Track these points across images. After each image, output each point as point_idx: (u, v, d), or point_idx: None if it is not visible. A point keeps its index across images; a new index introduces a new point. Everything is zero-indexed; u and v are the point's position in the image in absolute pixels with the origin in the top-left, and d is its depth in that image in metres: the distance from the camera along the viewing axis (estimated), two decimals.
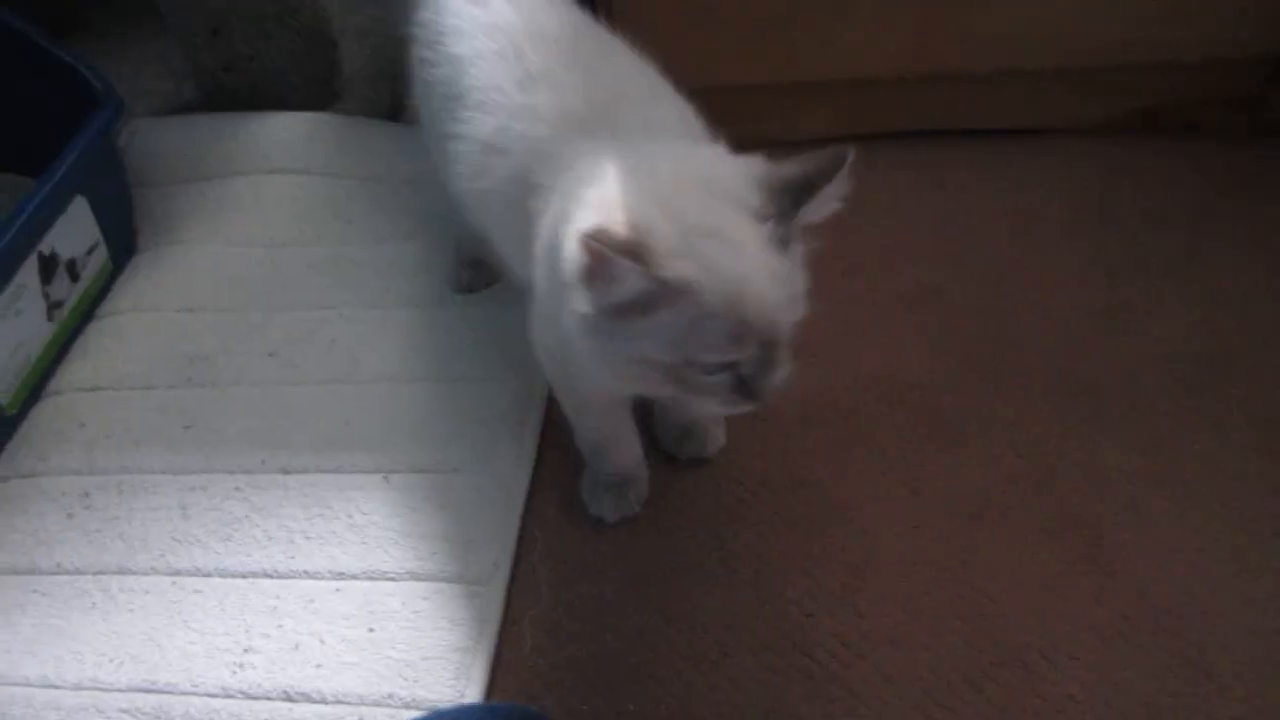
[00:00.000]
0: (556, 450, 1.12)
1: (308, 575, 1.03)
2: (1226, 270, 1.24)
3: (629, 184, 0.81)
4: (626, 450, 1.07)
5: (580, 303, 0.79)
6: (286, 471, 1.11)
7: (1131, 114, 1.38)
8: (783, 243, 0.80)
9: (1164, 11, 1.27)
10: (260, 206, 1.37)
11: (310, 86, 1.53)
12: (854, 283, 1.27)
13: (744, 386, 0.82)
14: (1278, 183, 1.33)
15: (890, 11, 1.29)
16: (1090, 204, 1.33)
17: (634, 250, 0.75)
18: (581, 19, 1.04)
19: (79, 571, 1.05)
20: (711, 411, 1.07)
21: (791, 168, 0.81)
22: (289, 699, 0.95)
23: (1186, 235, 1.28)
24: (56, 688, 0.97)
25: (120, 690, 0.96)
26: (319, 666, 0.97)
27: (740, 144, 0.86)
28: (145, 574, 1.04)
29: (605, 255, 0.75)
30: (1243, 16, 1.27)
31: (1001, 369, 1.17)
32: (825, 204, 0.82)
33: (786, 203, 0.80)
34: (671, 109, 0.96)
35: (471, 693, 0.95)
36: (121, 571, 1.05)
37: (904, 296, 1.25)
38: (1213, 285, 1.23)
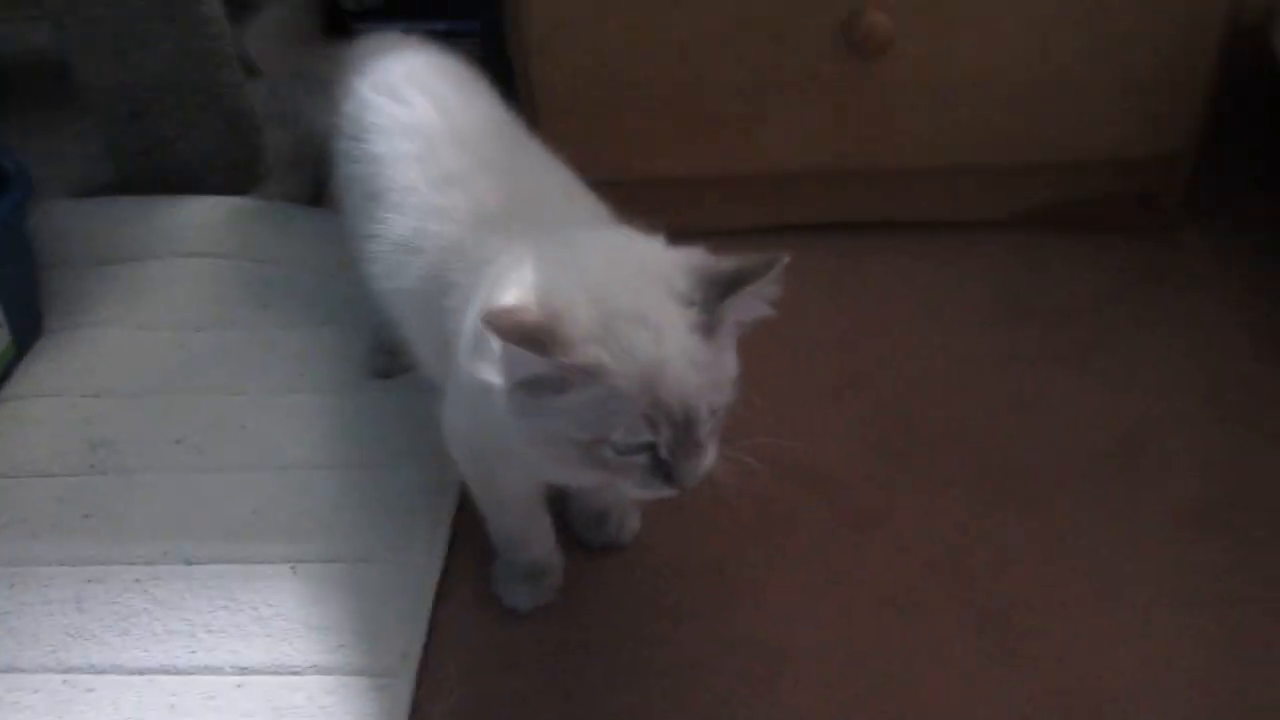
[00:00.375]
0: (468, 540, 1.10)
1: (209, 670, 0.99)
2: (1131, 357, 1.28)
3: (554, 268, 0.82)
4: (540, 540, 1.05)
5: (493, 375, 0.80)
6: (190, 562, 1.07)
7: (1040, 209, 1.43)
8: (707, 329, 0.81)
9: (1066, 115, 1.32)
10: (174, 290, 1.35)
11: (233, 171, 1.52)
12: (773, 369, 1.27)
13: (662, 469, 0.82)
14: (1176, 275, 1.37)
15: (806, 112, 1.32)
16: (1003, 295, 1.36)
17: (536, 335, 0.76)
18: (502, 118, 1.07)
19: None
20: (632, 495, 1.06)
21: (725, 262, 0.82)
22: None
23: (1093, 324, 1.32)
24: None
25: None
26: None
27: (664, 236, 0.87)
28: (35, 672, 0.99)
29: (506, 336, 0.75)
30: (1140, 120, 1.32)
31: (917, 457, 1.18)
32: (754, 304, 0.83)
33: (714, 293, 0.81)
34: (585, 207, 0.98)
35: None
36: (9, 670, 1.00)
37: (823, 386, 1.26)
38: (1119, 372, 1.26)
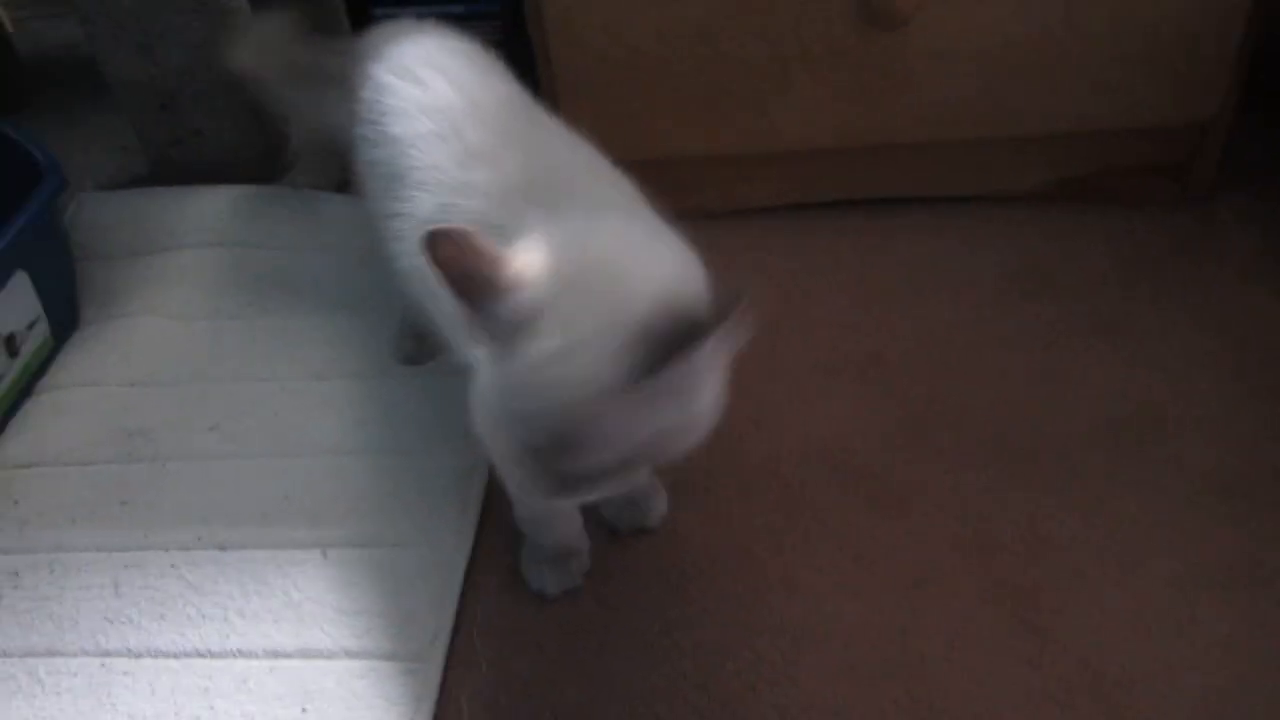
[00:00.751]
0: (497, 524, 1.11)
1: (242, 654, 1.02)
2: (1156, 333, 1.26)
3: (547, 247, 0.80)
4: (567, 523, 1.06)
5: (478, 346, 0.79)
6: (223, 547, 1.10)
7: (1065, 182, 1.41)
8: (634, 389, 0.75)
9: (1093, 84, 1.30)
10: (205, 279, 1.37)
11: (260, 160, 1.54)
12: (797, 350, 1.28)
13: (539, 477, 0.79)
14: (1203, 248, 1.35)
15: (827, 87, 1.31)
16: (1028, 269, 1.35)
17: (478, 264, 0.75)
18: (520, 96, 1.06)
19: (6, 654, 1.03)
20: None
21: (695, 303, 0.77)
22: None
23: (1118, 299, 1.30)
24: None
25: None
26: None
27: (685, 215, 0.87)
28: (75, 655, 1.02)
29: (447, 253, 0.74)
30: (1167, 89, 1.30)
31: (941, 435, 1.18)
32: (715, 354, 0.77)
33: (658, 356, 0.74)
34: (610, 183, 0.97)
35: None
36: (50, 654, 1.02)
37: (846, 364, 1.26)
38: (1143, 348, 1.24)
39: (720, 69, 1.31)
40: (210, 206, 1.45)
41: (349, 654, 1.01)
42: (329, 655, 1.01)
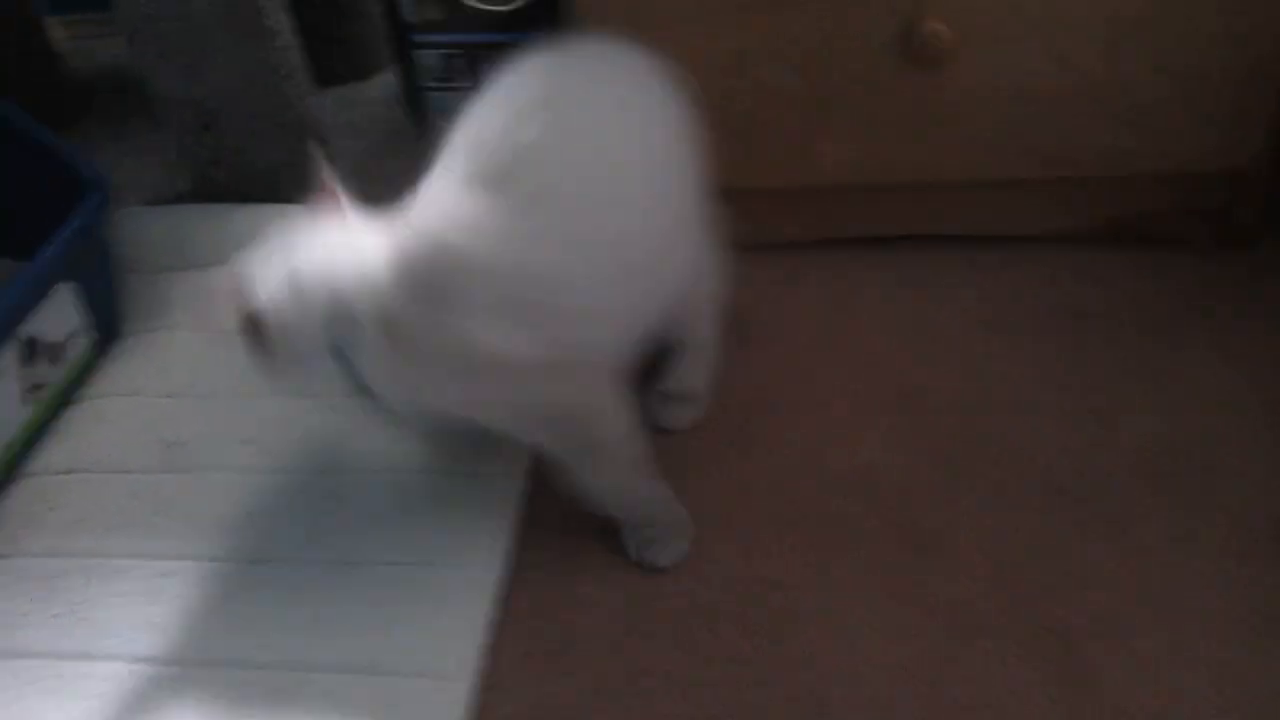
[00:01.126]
0: (531, 544, 1.11)
1: (274, 666, 1.01)
2: (1200, 376, 1.25)
3: None
4: (651, 489, 1.08)
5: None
6: (255, 561, 1.10)
7: (1104, 223, 1.41)
8: None
9: (1132, 127, 1.31)
10: None
11: (300, 179, 1.55)
12: (835, 385, 1.28)
13: None
14: (1243, 293, 1.35)
15: (862, 123, 1.32)
16: (1067, 310, 1.35)
17: None
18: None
19: (36, 655, 1.03)
20: None
21: None
22: None
23: (1156, 341, 1.30)
24: None
25: None
26: None
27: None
28: (107, 660, 1.02)
29: None
30: (1207, 134, 1.30)
31: (978, 473, 1.17)
32: None
33: None
34: None
35: None
36: (82, 657, 1.03)
37: (882, 399, 1.26)
38: (1186, 390, 1.24)
39: (755, 102, 1.32)
40: (252, 224, 1.45)
41: (380, 670, 1.00)
42: (361, 670, 1.00)
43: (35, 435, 1.24)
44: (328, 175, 1.00)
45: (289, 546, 1.11)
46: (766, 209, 1.42)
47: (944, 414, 1.23)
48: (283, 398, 1.26)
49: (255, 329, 0.94)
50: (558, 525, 1.13)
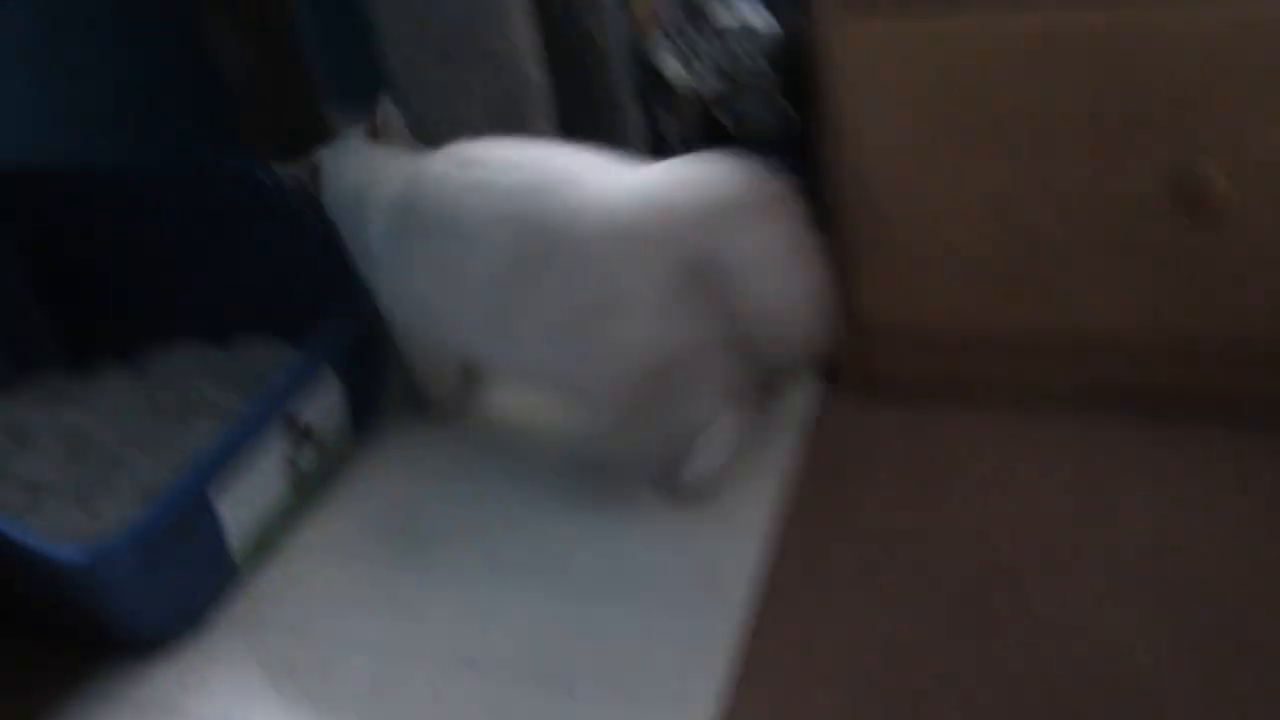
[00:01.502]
0: (750, 686, 1.06)
1: None
2: None
3: None
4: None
5: None
6: (475, 665, 1.11)
7: None
8: None
9: None
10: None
11: None
12: (1084, 563, 1.16)
13: None
14: None
15: (1122, 273, 1.23)
16: None
17: None
18: None
19: None
20: None
21: None
22: None
23: None
24: None
25: None
26: None
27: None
28: None
29: None
30: None
31: (1240, 673, 1.02)
32: None
33: None
34: None
35: None
36: None
37: (1138, 582, 1.13)
38: None
39: (1011, 246, 1.26)
40: None
41: None
42: None
43: (293, 517, 1.30)
44: (384, 112, 1.37)
45: (508, 659, 1.11)
46: (1009, 354, 1.33)
47: (1204, 601, 1.09)
48: (517, 506, 1.28)
49: (313, 174, 1.37)
50: None
